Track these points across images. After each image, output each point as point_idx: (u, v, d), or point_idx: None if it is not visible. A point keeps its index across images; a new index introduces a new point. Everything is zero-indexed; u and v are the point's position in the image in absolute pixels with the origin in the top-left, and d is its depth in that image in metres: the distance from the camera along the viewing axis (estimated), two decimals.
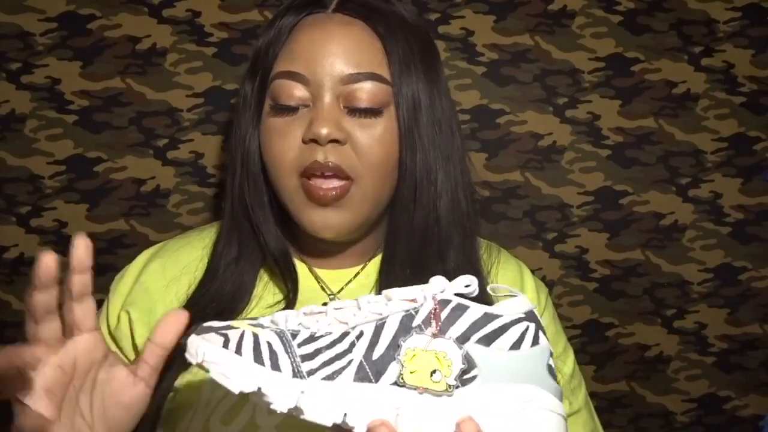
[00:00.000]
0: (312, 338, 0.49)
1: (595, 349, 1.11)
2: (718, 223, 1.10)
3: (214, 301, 0.70)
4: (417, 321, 0.49)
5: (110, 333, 0.74)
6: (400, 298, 0.51)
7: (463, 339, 0.49)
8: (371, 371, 0.48)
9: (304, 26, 0.71)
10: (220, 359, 0.47)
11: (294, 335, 0.49)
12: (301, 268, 0.75)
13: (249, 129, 0.72)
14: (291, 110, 0.69)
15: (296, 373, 0.48)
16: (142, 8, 1.02)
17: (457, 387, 0.48)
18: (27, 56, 1.01)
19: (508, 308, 0.51)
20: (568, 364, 0.77)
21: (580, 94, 1.07)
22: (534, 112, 1.07)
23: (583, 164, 1.08)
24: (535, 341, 0.50)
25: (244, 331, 0.49)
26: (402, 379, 0.47)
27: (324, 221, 0.68)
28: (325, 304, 0.53)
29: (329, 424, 0.47)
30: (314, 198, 0.67)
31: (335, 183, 0.67)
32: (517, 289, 0.53)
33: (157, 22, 1.02)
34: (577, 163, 1.08)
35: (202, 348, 0.48)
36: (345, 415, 0.47)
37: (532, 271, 0.81)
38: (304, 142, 0.68)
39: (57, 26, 1.01)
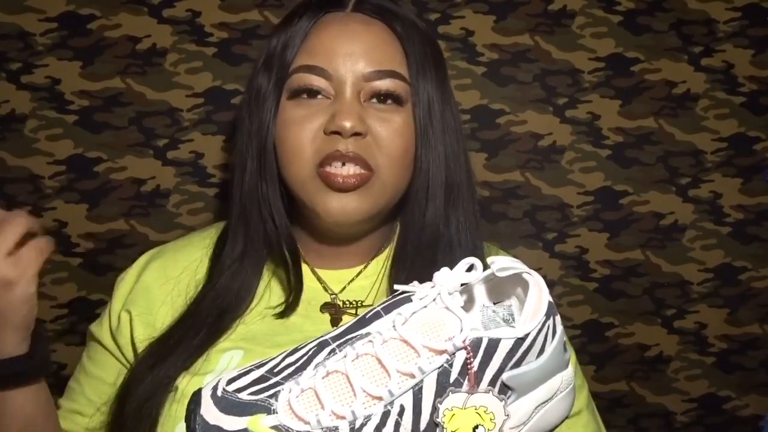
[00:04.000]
0: (354, 431, 0.44)
1: (595, 349, 1.11)
2: (718, 223, 1.10)
3: (219, 298, 0.71)
4: (453, 375, 0.46)
5: (111, 333, 0.75)
6: (424, 345, 0.46)
7: (498, 373, 0.47)
8: None
9: (324, 24, 0.72)
10: None
11: None
12: (303, 268, 0.75)
13: (266, 121, 0.71)
14: (311, 98, 0.70)
15: None
16: (142, 8, 1.02)
17: (502, 425, 0.47)
18: (27, 56, 1.01)
19: (530, 315, 0.49)
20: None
21: (580, 94, 1.07)
22: (534, 112, 1.07)
23: (583, 164, 1.08)
24: (554, 332, 0.49)
25: None
26: None
27: (341, 207, 0.68)
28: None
29: None
30: (333, 185, 0.67)
31: (354, 170, 0.68)
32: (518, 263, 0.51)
33: (157, 22, 1.02)
34: (577, 163, 1.08)
35: None
36: None
37: None
38: (325, 133, 0.68)
39: (57, 26, 1.01)
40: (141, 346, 0.71)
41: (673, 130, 1.08)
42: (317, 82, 0.69)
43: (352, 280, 0.75)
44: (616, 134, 1.08)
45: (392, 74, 0.70)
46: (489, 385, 0.46)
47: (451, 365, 0.46)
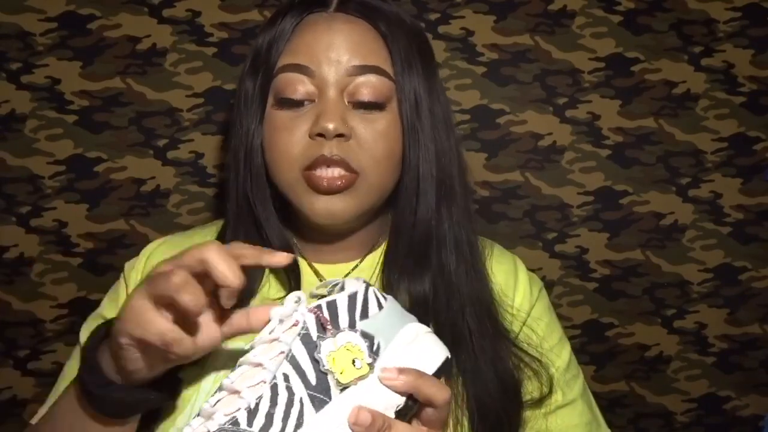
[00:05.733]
0: (252, 411, 0.50)
1: (595, 349, 1.11)
2: (718, 223, 1.10)
3: None
4: (314, 334, 0.53)
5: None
6: (282, 319, 0.54)
7: (352, 323, 0.54)
8: (321, 393, 0.51)
9: (308, 23, 0.72)
10: None
11: (236, 423, 0.49)
12: (300, 263, 0.75)
13: (253, 125, 0.72)
14: (296, 104, 0.70)
15: None
16: (142, 8, 1.02)
17: (375, 360, 0.53)
18: (27, 56, 1.01)
19: (350, 286, 0.57)
20: (563, 356, 0.77)
21: (580, 94, 1.07)
22: (534, 112, 1.07)
23: (583, 164, 1.08)
24: (384, 300, 0.58)
25: None
26: (339, 383, 0.51)
27: (327, 208, 0.69)
28: (220, 388, 0.54)
29: None
30: (319, 188, 0.68)
31: (339, 172, 0.68)
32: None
33: (157, 22, 1.02)
34: (577, 163, 1.08)
35: None
36: None
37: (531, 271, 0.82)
38: (310, 137, 0.68)
39: (57, 26, 1.01)
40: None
41: (673, 130, 1.08)
42: (302, 86, 0.69)
43: (348, 273, 0.76)
44: (616, 134, 1.08)
45: (376, 70, 0.69)
46: (349, 329, 0.53)
47: (307, 329, 0.53)
